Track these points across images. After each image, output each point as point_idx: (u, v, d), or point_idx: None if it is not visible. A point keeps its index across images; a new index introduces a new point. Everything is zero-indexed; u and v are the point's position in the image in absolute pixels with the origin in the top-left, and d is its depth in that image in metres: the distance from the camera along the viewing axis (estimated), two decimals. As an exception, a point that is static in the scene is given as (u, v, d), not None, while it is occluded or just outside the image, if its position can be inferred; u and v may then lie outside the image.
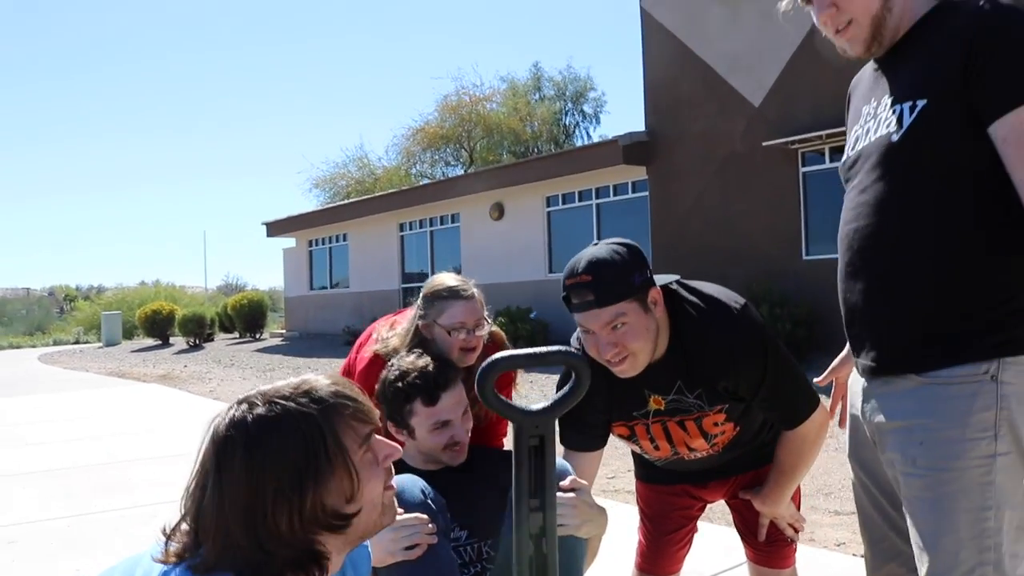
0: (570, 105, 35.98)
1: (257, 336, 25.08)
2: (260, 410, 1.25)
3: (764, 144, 12.10)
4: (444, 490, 2.15)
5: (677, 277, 2.19)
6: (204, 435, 1.28)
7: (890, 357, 1.63)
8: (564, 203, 16.57)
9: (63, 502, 5.28)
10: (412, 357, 2.36)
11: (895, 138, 1.60)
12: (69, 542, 4.40)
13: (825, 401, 2.17)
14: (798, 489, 2.44)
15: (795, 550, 2.49)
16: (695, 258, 13.23)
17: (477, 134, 33.91)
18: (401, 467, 2.24)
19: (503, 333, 2.79)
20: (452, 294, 2.54)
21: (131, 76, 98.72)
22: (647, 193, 14.46)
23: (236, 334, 25.99)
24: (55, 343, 33.13)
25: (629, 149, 14.03)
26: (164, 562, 1.25)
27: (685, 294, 2.16)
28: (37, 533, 4.57)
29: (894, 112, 1.62)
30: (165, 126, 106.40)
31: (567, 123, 36.02)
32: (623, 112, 60.41)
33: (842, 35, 1.71)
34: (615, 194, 15.57)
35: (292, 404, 1.25)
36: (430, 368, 2.29)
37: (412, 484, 2.08)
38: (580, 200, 16.21)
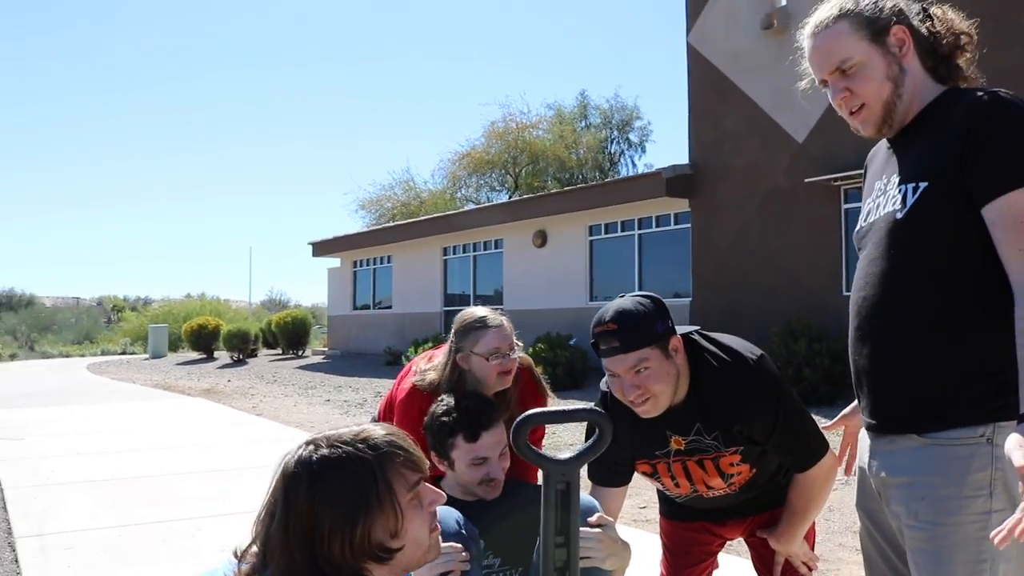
0: (616, 133, 36.22)
1: (300, 353, 25.47)
2: (324, 451, 1.44)
3: (807, 180, 12.17)
4: (479, 520, 2.32)
5: (698, 328, 2.36)
6: (275, 470, 1.46)
7: (894, 418, 1.77)
8: (607, 232, 16.72)
9: (113, 512, 5.50)
10: (459, 396, 2.56)
11: (899, 216, 1.75)
12: (120, 551, 4.61)
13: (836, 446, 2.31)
14: (812, 529, 2.58)
15: None
16: (735, 291, 13.30)
17: (523, 160, 34.23)
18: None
19: (530, 358, 2.97)
20: (484, 324, 2.74)
21: (181, 92, 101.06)
22: (689, 225, 14.56)
23: (279, 350, 26.43)
24: (103, 353, 33.89)
25: (672, 181, 14.17)
26: None
27: (706, 344, 2.34)
28: (90, 541, 4.79)
29: (900, 191, 1.77)
30: (214, 142, 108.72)
31: (612, 151, 36.24)
32: (669, 141, 60.54)
33: (855, 117, 1.87)
34: (657, 225, 15.69)
35: (352, 448, 1.44)
36: (475, 407, 2.47)
37: (447, 514, 2.25)
38: (623, 230, 16.35)
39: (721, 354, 2.31)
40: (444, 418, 2.47)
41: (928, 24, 1.85)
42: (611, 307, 2.21)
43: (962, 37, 1.86)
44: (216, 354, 26.08)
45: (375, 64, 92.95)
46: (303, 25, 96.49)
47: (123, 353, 33.40)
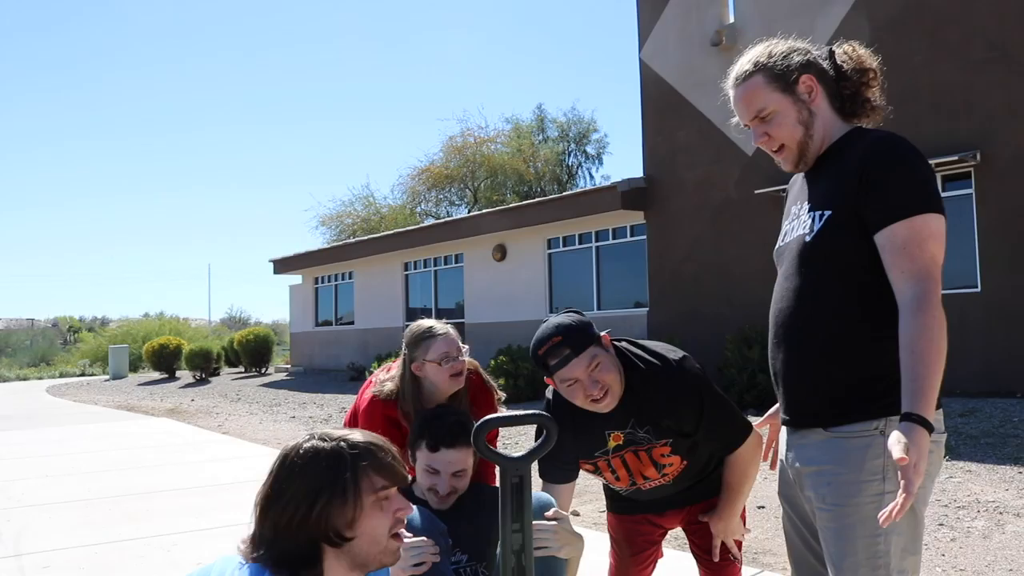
0: (573, 146, 36.69)
1: (262, 371, 25.42)
2: (313, 442, 1.71)
3: (757, 192, 12.58)
4: (449, 520, 2.56)
5: (609, 330, 2.66)
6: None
7: (804, 415, 2.05)
8: (565, 245, 17.04)
9: (87, 530, 5.62)
10: (444, 410, 2.84)
11: (808, 238, 2.04)
12: (97, 568, 4.75)
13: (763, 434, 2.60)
14: (743, 512, 2.88)
15: (740, 569, 2.92)
16: (691, 300, 13.66)
17: (481, 174, 34.54)
18: (411, 498, 2.65)
19: (475, 360, 3.27)
20: (432, 333, 3.06)
21: (137, 113, 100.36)
22: (645, 237, 14.93)
23: (242, 368, 26.33)
24: (61, 375, 33.43)
25: (628, 195, 14.53)
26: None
27: (632, 348, 2.66)
28: (67, 559, 4.93)
29: (810, 217, 2.05)
30: (171, 159, 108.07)
31: (570, 164, 36.68)
32: (627, 151, 61.31)
33: (777, 155, 2.16)
34: (614, 237, 16.04)
35: (335, 443, 1.69)
36: (448, 424, 2.70)
37: (417, 512, 2.49)
38: (580, 243, 16.69)
39: (648, 357, 2.62)
40: (421, 423, 2.73)
41: (834, 66, 2.13)
42: (548, 326, 2.53)
43: (868, 73, 2.14)
44: (178, 373, 25.92)
45: (334, 81, 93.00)
46: (261, 45, 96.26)
47: (82, 375, 32.98)
